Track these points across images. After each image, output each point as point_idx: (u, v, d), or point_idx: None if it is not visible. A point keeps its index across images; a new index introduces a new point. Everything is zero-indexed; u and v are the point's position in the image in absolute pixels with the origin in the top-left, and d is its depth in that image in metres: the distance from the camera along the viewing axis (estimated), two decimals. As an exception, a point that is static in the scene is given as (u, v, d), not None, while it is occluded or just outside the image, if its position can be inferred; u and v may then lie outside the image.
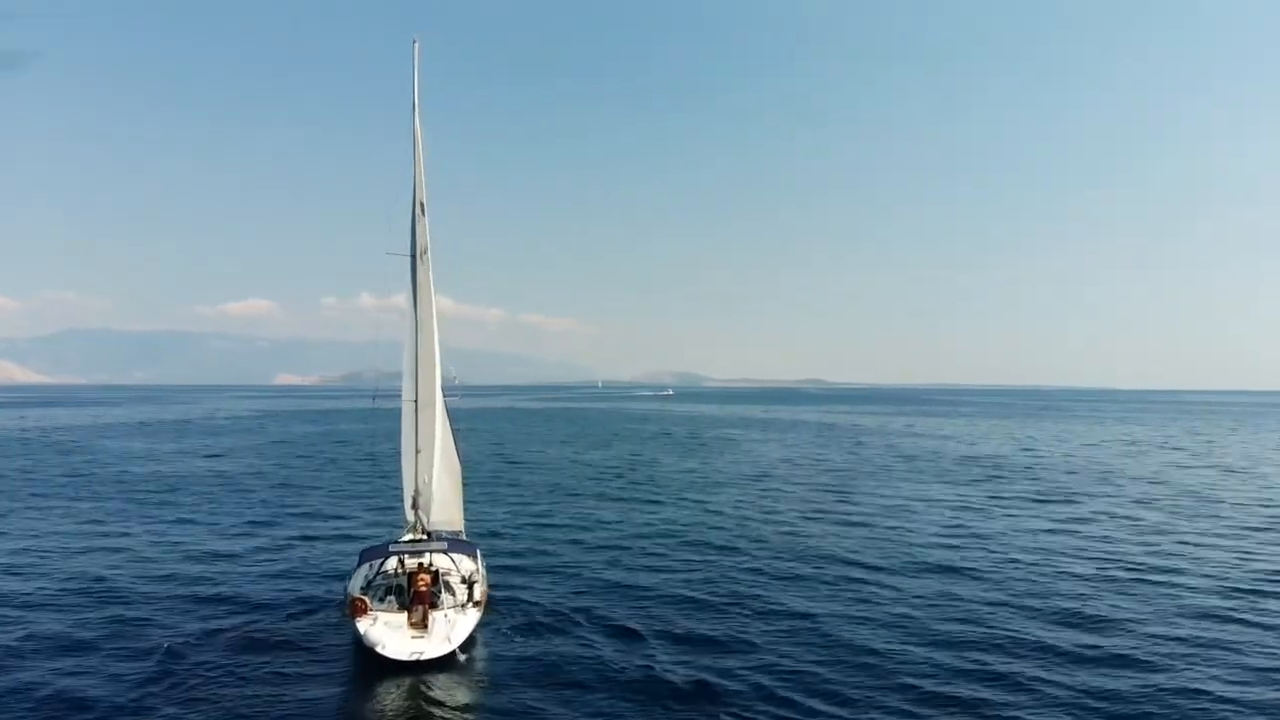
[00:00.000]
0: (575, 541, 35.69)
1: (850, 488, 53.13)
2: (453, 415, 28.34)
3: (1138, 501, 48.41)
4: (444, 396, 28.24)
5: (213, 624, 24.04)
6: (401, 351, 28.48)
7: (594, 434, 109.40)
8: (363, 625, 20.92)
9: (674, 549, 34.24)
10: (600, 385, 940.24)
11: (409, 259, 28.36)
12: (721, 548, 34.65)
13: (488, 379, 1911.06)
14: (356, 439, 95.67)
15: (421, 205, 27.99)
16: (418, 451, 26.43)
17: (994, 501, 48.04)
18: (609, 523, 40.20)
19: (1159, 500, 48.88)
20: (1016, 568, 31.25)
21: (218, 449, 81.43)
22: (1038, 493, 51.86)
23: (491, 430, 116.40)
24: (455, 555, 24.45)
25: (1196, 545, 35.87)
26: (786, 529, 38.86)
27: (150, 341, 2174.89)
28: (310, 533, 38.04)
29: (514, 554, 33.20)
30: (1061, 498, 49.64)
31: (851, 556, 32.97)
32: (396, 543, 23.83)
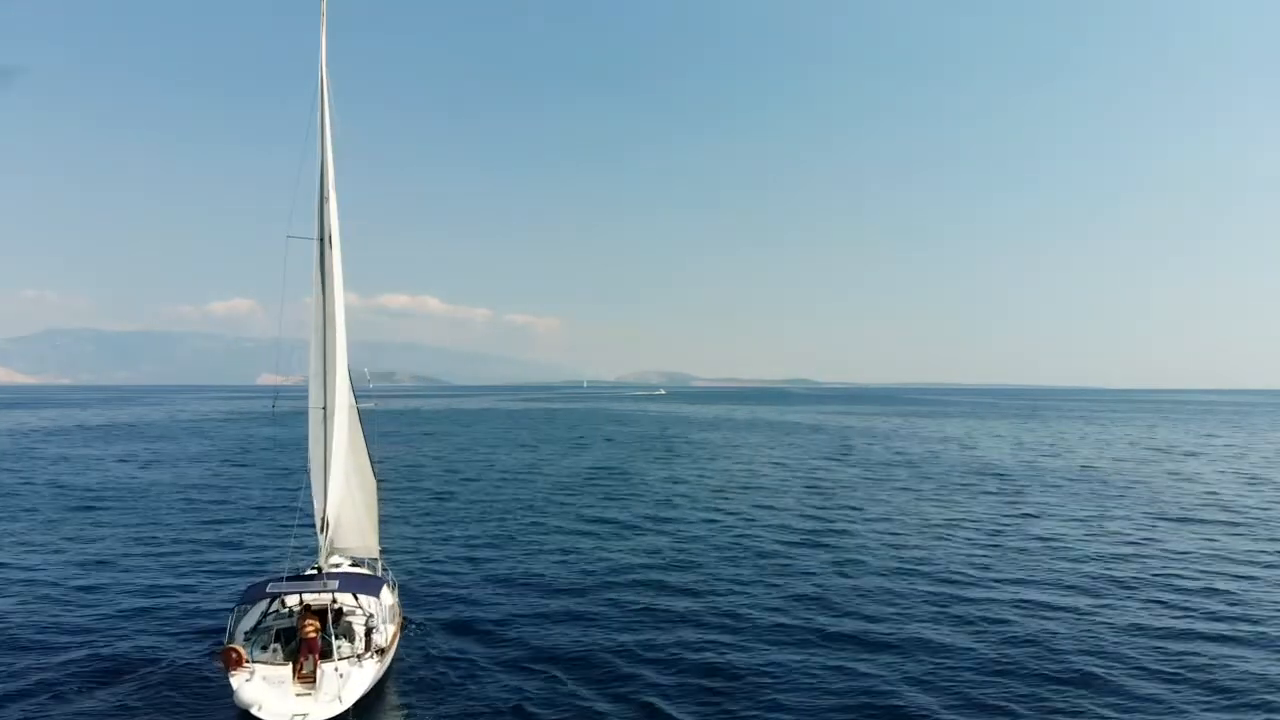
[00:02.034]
0: (518, 572, 30.80)
1: (849, 504, 47.45)
2: (366, 423, 24.40)
3: (1181, 520, 43.91)
4: (357, 402, 24.31)
5: (67, 670, 20.35)
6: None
7: (570, 437, 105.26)
8: (236, 680, 17.43)
9: (634, 583, 29.38)
10: (585, 385, 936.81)
11: (317, 243, 24.38)
12: (693, 578, 30.00)
13: (473, 379, 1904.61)
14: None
15: (329, 181, 24.00)
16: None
17: (1024, 521, 41.99)
18: (562, 547, 35.01)
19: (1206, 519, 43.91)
20: (1058, 610, 26.75)
21: (156, 455, 76.36)
22: (1060, 506, 47.30)
23: (465, 433, 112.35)
24: (359, 591, 20.38)
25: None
26: (773, 556, 33.49)
27: (133, 342, 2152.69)
28: (206, 560, 32.87)
29: (442, 587, 28.72)
30: (1091, 512, 45.66)
31: (849, 597, 27.92)
32: (277, 580, 19.72)
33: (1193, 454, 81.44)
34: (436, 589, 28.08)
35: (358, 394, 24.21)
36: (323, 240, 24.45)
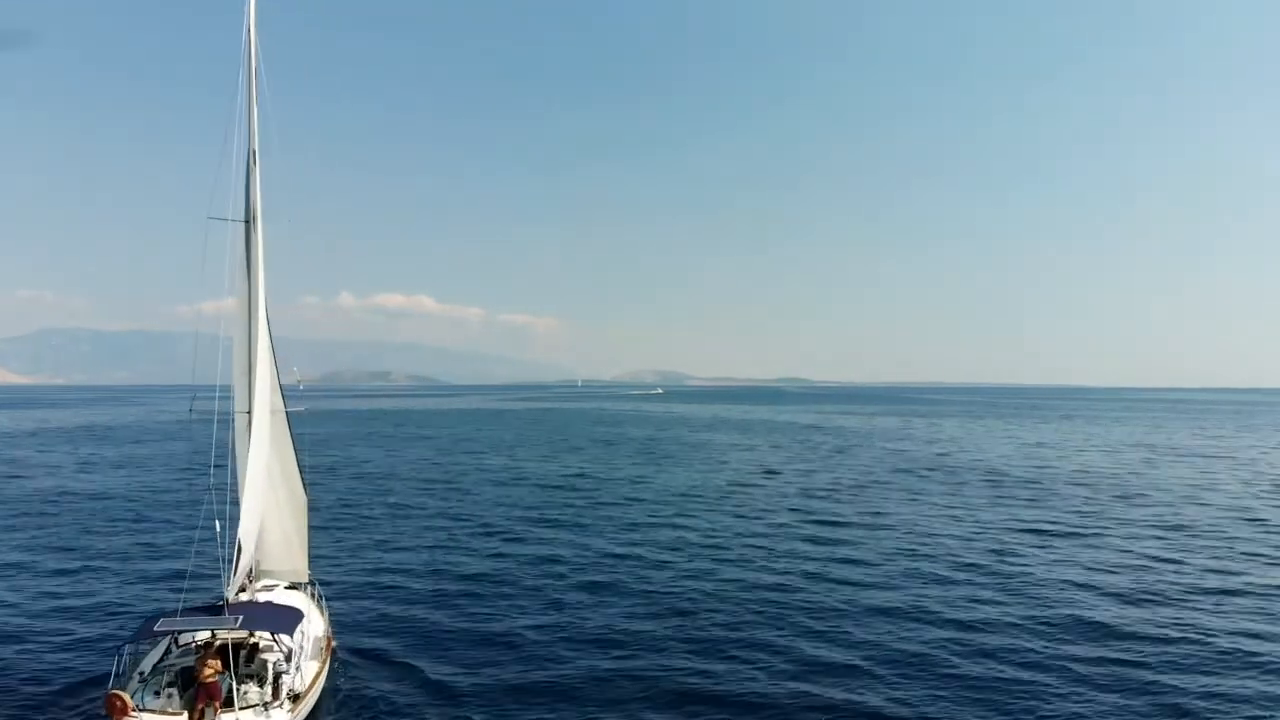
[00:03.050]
0: (477, 599, 27.02)
1: (846, 520, 43.57)
2: (296, 428, 21.58)
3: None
4: (285, 405, 21.49)
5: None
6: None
7: (556, 439, 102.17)
8: None
9: (606, 614, 25.86)
10: (580, 384, 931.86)
11: (242, 225, 21.53)
12: (672, 608, 26.57)
13: (470, 378, 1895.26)
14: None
15: (253, 153, 21.17)
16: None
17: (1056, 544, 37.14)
18: (530, 569, 30.97)
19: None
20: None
21: (108, 459, 72.86)
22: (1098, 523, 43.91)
23: (446, 435, 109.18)
24: (270, 627, 17.44)
25: None
26: (764, 586, 29.78)
27: (131, 341, 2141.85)
28: (115, 583, 28.91)
29: (385, 616, 25.20)
30: (1111, 523, 42.85)
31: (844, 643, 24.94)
32: (170, 616, 16.84)
33: (1210, 457, 78.88)
34: (379, 619, 24.76)
35: (286, 395, 21.39)
36: (248, 222, 21.76)
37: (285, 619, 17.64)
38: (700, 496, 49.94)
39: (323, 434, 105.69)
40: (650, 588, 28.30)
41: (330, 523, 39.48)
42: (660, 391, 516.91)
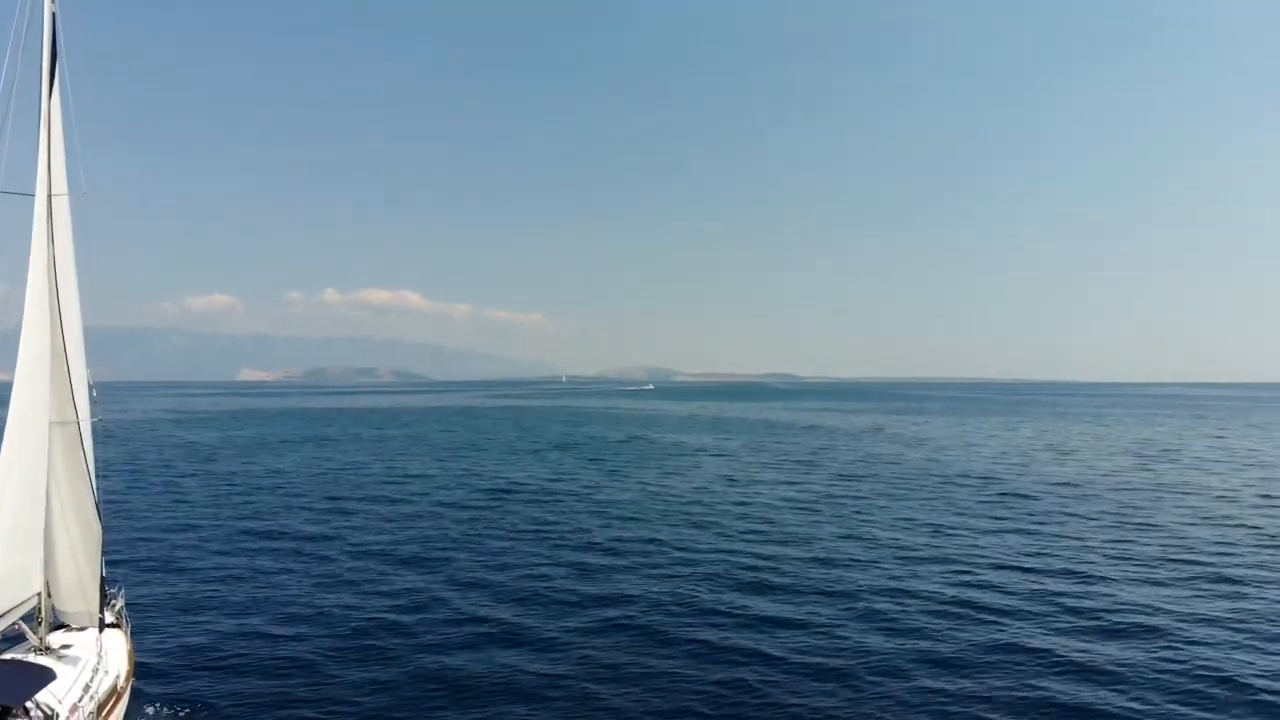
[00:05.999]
0: (335, 629, 24.13)
1: (825, 535, 40.65)
2: (90, 441, 18.12)
3: None
4: (78, 416, 17.97)
5: None
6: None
7: (516, 439, 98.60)
8: None
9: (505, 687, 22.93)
10: (565, 381, 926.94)
11: (43, 200, 17.99)
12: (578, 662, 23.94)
13: (455, 375, 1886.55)
14: (221, 457, 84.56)
15: (50, 74, 17.44)
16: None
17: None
18: (410, 612, 26.81)
19: None
20: None
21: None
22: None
23: (400, 435, 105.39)
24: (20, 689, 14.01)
25: None
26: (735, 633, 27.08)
27: (112, 338, 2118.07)
28: None
29: (221, 673, 21.47)
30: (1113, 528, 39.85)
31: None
32: None
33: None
34: (215, 661, 21.39)
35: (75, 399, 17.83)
36: (51, 194, 18.26)
37: (22, 681, 14.15)
38: (641, 513, 46.56)
39: (272, 435, 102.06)
40: (543, 630, 24.98)
41: (198, 543, 35.95)
42: (651, 388, 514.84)
